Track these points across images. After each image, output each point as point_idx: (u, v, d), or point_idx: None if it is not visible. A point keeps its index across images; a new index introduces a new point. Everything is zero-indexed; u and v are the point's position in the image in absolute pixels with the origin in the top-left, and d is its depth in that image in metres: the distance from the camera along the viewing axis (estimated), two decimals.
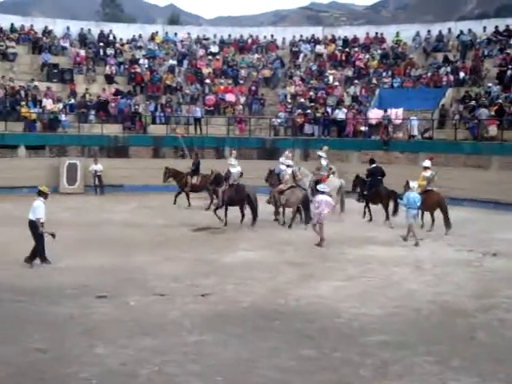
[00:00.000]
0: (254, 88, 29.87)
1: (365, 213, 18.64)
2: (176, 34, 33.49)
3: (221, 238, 15.97)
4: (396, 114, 25.91)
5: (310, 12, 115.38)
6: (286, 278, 11.96)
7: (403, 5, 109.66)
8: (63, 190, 24.13)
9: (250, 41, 33.17)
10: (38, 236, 12.59)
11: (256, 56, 31.91)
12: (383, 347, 8.27)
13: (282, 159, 19.20)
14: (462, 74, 26.88)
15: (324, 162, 20.04)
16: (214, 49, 32.51)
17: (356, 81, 28.91)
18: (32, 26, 31.01)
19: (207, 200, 20.29)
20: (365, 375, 7.42)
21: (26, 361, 7.58)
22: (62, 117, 26.49)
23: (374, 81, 28.71)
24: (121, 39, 32.35)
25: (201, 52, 32.22)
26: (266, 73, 30.73)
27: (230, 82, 30.22)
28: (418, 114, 25.88)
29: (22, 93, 26.64)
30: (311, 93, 28.60)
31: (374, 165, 19.09)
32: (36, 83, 27.53)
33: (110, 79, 29.55)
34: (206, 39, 33.36)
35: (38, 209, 12.56)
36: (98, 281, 11.42)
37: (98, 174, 24.32)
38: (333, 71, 29.85)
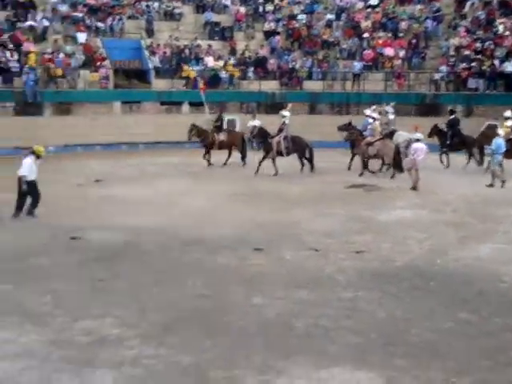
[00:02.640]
0: (414, 41, 28.66)
1: (442, 161, 19.93)
2: None
3: (376, 196, 15.75)
4: None
5: None
6: (443, 239, 11.57)
7: None
8: None
9: None
10: (20, 192, 12.68)
11: (418, 7, 30.47)
12: None
13: (368, 111, 19.91)
14: None
15: (391, 117, 20.67)
16: (374, 1, 31.48)
17: None
18: None
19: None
20: None
21: (191, 306, 8.06)
22: (223, 74, 27.34)
23: None
24: None
25: (360, 5, 31.42)
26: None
27: (389, 35, 29.23)
28: None
29: (187, 51, 27.83)
30: (477, 44, 26.84)
31: (453, 116, 20.36)
32: (199, 41, 28.60)
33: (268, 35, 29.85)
34: None
35: (24, 166, 12.66)
36: (253, 234, 11.78)
37: None
38: (503, 20, 27.67)
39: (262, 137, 19.10)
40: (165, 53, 27.43)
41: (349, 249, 10.83)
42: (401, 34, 29.29)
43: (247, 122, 24.89)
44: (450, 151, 19.96)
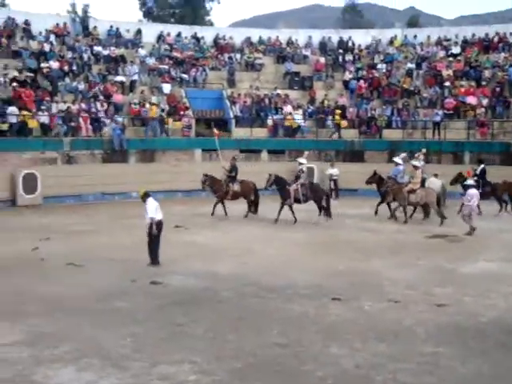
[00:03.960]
0: (498, 89, 28.06)
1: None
2: (415, 36, 32.86)
3: (459, 247, 15.28)
4: None
5: None
6: None
7: None
8: None
9: (496, 39, 31.22)
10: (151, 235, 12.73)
11: (502, 55, 29.94)
12: None
13: (398, 159, 19.77)
14: None
15: (422, 163, 20.13)
16: (456, 50, 31.24)
17: None
18: (277, 37, 32.90)
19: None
20: None
21: (267, 354, 8.01)
22: (302, 123, 27.64)
23: None
24: (359, 45, 32.77)
25: (441, 54, 31.21)
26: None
27: (472, 83, 28.78)
28: None
29: (267, 100, 28.38)
30: None
31: (483, 165, 20.60)
32: (279, 91, 29.13)
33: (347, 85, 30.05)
34: (447, 40, 32.20)
35: (147, 210, 12.69)
36: (331, 282, 11.66)
37: (334, 177, 24.83)
38: None
39: (279, 185, 19.08)
40: (245, 102, 28.07)
41: (429, 301, 10.50)
42: (484, 83, 28.80)
43: (326, 170, 25.07)
44: (481, 199, 19.50)
